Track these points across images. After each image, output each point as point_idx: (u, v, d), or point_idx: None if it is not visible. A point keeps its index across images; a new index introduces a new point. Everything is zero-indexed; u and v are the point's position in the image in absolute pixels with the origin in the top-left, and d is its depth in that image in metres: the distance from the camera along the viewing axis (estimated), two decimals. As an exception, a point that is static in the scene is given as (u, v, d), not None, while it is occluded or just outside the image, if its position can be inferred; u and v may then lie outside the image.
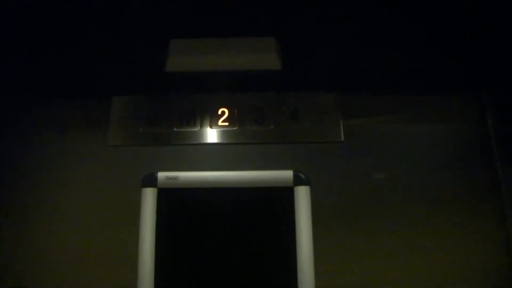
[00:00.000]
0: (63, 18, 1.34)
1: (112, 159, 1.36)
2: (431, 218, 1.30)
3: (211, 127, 1.39)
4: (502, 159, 1.35)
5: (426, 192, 1.32)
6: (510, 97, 1.41)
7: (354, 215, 1.30)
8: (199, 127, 1.39)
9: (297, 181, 1.27)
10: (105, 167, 1.36)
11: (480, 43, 1.44)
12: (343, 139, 1.37)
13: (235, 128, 1.39)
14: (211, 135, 1.38)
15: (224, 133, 1.38)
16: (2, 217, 1.32)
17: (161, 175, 1.28)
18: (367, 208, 1.31)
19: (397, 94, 1.42)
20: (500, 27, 1.36)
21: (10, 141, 1.39)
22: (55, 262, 1.28)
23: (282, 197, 1.26)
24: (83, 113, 1.41)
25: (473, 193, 1.32)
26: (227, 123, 1.39)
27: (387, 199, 1.32)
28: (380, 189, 1.33)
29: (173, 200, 1.27)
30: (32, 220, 1.31)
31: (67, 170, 1.36)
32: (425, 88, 1.44)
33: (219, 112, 1.40)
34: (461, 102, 1.43)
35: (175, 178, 1.28)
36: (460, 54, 1.46)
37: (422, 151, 1.37)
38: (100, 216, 1.31)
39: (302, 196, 1.26)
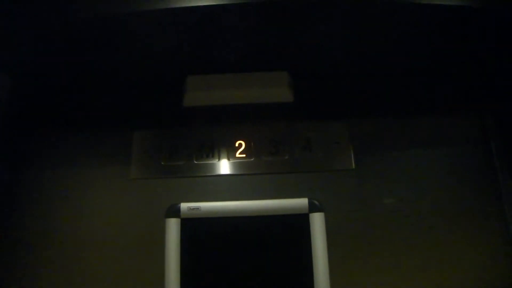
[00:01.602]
0: (85, 56, 1.39)
1: (135, 191, 1.43)
2: (440, 239, 1.35)
3: (228, 159, 1.46)
4: (505, 180, 1.41)
5: (435, 214, 1.38)
6: (512, 118, 1.47)
7: (367, 238, 1.36)
8: (217, 159, 1.46)
9: (312, 208, 1.33)
10: (128, 200, 1.42)
11: (483, 66, 1.51)
12: (354, 167, 1.44)
13: (252, 160, 1.46)
14: (230, 166, 1.45)
15: (241, 165, 1.45)
16: (24, 248, 1.36)
17: (184, 205, 1.34)
18: (380, 232, 1.36)
19: (403, 120, 1.50)
20: (503, 49, 1.41)
21: (33, 174, 1.45)
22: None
23: (298, 224, 1.32)
24: (106, 147, 1.48)
25: (479, 213, 1.38)
26: (244, 155, 1.46)
27: (398, 223, 1.37)
28: (391, 213, 1.39)
29: (195, 230, 1.33)
30: (56, 254, 1.36)
31: (91, 203, 1.42)
32: (430, 113, 1.50)
33: (236, 145, 1.47)
34: (465, 125, 1.49)
35: (197, 208, 1.34)
36: (463, 78, 1.53)
37: (430, 174, 1.43)
38: (124, 247, 1.36)
39: (317, 222, 1.31)
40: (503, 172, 1.42)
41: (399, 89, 1.53)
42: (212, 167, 1.45)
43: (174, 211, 1.34)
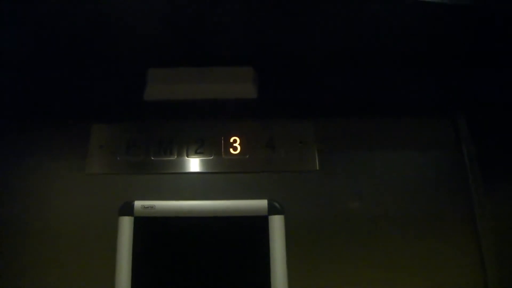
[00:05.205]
0: (41, 46, 1.35)
1: (90, 187, 1.37)
2: (405, 244, 1.32)
3: (187, 156, 1.41)
4: (476, 183, 1.38)
5: (400, 218, 1.35)
6: (484, 122, 1.45)
7: (328, 243, 1.32)
8: (176, 156, 1.41)
9: (272, 210, 1.28)
10: (82, 195, 1.37)
11: (455, 69, 1.48)
12: (318, 168, 1.39)
13: (211, 158, 1.41)
14: (188, 164, 1.40)
15: (200, 162, 1.40)
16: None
17: (138, 204, 1.29)
18: (341, 237, 1.32)
19: (371, 122, 1.45)
20: (475, 53, 1.40)
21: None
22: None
23: (257, 226, 1.27)
24: (61, 140, 1.42)
25: (447, 218, 1.35)
26: (203, 152, 1.41)
27: (362, 227, 1.33)
28: (355, 216, 1.35)
29: (149, 229, 1.28)
30: (5, 248, 1.31)
31: (45, 197, 1.37)
32: (400, 114, 1.47)
33: (196, 141, 1.42)
34: (437, 128, 1.46)
35: (152, 207, 1.29)
36: (435, 79, 1.50)
37: (397, 177, 1.39)
38: (76, 243, 1.31)
39: (276, 225, 1.27)
40: (474, 175, 1.39)
41: (367, 89, 1.49)
42: (170, 164, 1.40)
43: (128, 209, 1.29)
